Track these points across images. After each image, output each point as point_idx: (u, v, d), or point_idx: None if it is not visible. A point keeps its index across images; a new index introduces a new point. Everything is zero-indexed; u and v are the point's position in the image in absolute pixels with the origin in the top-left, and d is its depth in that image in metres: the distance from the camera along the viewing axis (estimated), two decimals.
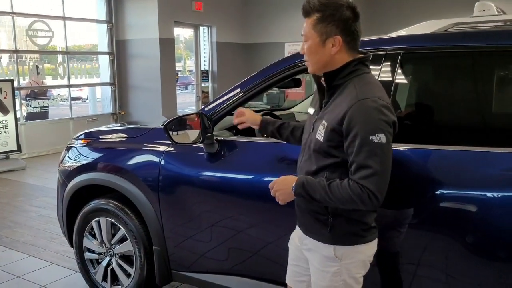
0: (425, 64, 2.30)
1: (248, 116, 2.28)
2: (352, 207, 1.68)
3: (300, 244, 1.94)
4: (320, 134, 1.75)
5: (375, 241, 1.84)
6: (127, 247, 2.97)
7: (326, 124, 1.73)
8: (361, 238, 1.79)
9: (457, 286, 2.01)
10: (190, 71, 16.95)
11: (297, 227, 2.00)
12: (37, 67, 8.92)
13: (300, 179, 1.74)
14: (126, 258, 3.03)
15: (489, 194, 1.89)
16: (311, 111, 1.93)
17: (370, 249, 1.82)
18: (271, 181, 2.43)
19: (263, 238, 2.49)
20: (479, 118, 2.17)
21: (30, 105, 8.91)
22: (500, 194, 1.87)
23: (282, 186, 1.78)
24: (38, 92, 9.25)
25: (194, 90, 11.62)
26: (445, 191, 1.97)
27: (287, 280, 2.08)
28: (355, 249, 1.78)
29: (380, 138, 1.62)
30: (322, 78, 1.81)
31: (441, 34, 2.19)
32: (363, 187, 1.61)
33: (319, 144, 1.76)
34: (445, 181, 1.98)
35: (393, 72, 2.17)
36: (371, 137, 1.61)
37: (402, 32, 2.29)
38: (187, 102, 13.64)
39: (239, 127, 2.34)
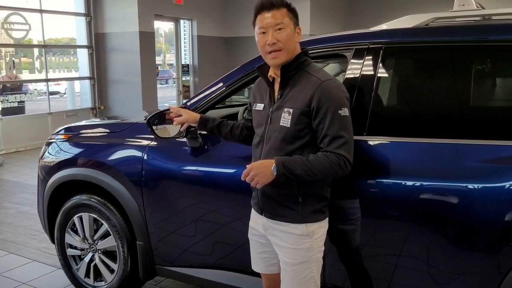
0: (406, 58, 2.33)
1: (187, 116, 2.35)
2: (330, 176, 1.90)
3: (264, 230, 2.04)
4: (285, 121, 1.89)
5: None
6: (110, 242, 2.95)
7: (291, 110, 1.89)
8: (324, 214, 1.99)
9: (436, 275, 2.05)
10: (170, 65, 16.82)
11: (254, 216, 2.11)
12: (13, 61, 8.74)
13: (278, 160, 1.84)
14: (109, 253, 3.01)
15: (469, 186, 1.93)
16: (259, 106, 2.05)
17: (327, 223, 2.03)
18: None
19: (247, 231, 2.50)
20: (458, 111, 2.21)
21: (7, 100, 8.73)
22: (479, 186, 1.91)
23: (261, 169, 1.85)
24: (14, 87, 9.06)
25: (174, 84, 11.54)
26: (426, 183, 2.01)
27: (258, 269, 2.21)
28: (320, 224, 1.98)
29: (345, 111, 1.86)
30: (269, 74, 1.98)
31: (422, 28, 2.22)
32: (339, 155, 1.82)
33: (286, 130, 1.90)
34: (427, 173, 2.02)
35: (375, 65, 2.19)
36: (339, 111, 1.84)
37: (384, 26, 2.31)
38: (168, 96, 13.54)
39: (182, 128, 2.44)
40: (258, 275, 2.43)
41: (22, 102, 9.05)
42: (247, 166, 1.90)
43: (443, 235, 2.00)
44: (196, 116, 2.35)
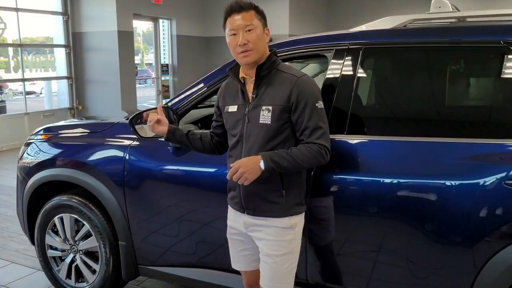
0: (385, 58, 2.38)
1: (162, 119, 2.29)
2: (314, 165, 2.01)
3: (245, 228, 2.09)
4: (265, 118, 1.97)
5: None
6: (91, 243, 2.94)
7: (271, 107, 1.96)
8: (303, 206, 2.08)
9: (416, 271, 2.10)
10: (149, 64, 16.70)
11: (233, 215, 2.15)
12: None
13: (265, 155, 1.90)
14: (91, 254, 3.00)
15: (446, 182, 1.99)
16: (233, 108, 2.09)
17: (303, 217, 2.10)
18: None
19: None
20: (433, 110, 2.28)
21: None
22: (456, 182, 1.98)
23: (249, 166, 1.89)
24: None
25: (153, 84, 11.47)
26: (405, 180, 2.07)
27: (240, 267, 2.25)
28: (301, 216, 2.07)
29: (321, 104, 1.98)
30: (241, 75, 2.04)
31: (401, 30, 2.27)
32: (321, 145, 1.93)
33: (267, 127, 1.97)
34: (406, 170, 2.08)
35: (355, 66, 2.24)
36: (316, 104, 1.95)
37: (363, 27, 2.36)
38: (147, 96, 13.45)
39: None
40: (240, 272, 2.46)
41: (3, 101, 8.91)
42: (231, 165, 1.92)
43: (421, 231, 2.05)
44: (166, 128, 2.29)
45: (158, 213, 2.71)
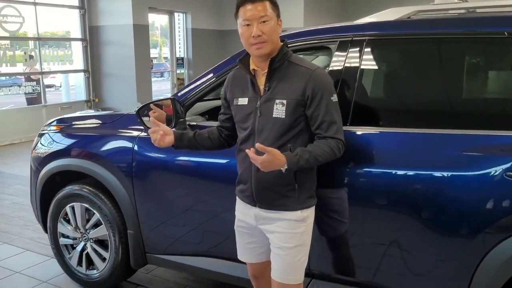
0: (389, 50, 2.37)
1: (165, 129, 2.19)
2: (330, 160, 1.93)
3: (256, 221, 2.08)
4: (279, 112, 1.93)
5: None
6: (101, 231, 3.00)
7: (285, 101, 1.92)
8: (314, 199, 2.07)
9: (417, 263, 2.11)
10: (166, 58, 16.79)
11: (243, 208, 2.13)
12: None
13: (292, 162, 1.83)
14: (101, 242, 3.06)
15: (451, 174, 1.99)
16: (243, 101, 2.04)
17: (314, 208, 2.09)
18: None
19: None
20: (435, 102, 2.27)
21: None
22: (461, 174, 1.97)
23: (276, 161, 1.81)
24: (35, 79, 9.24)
25: (169, 77, 11.55)
26: (410, 172, 2.07)
27: (246, 259, 2.25)
28: (312, 209, 2.06)
29: (335, 98, 1.96)
30: (252, 67, 1.99)
31: (405, 21, 2.27)
32: (338, 139, 1.92)
33: (281, 121, 1.93)
34: (411, 162, 2.08)
35: (359, 58, 2.24)
36: (331, 98, 1.93)
37: (367, 19, 2.36)
38: (162, 90, 13.53)
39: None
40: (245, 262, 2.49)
41: (34, 92, 9.34)
42: (258, 146, 1.79)
43: (422, 223, 2.05)
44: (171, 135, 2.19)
45: (166, 203, 2.75)
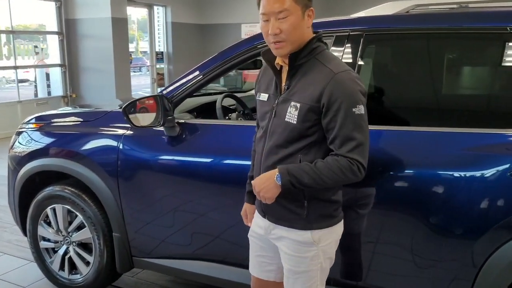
0: (387, 45, 2.32)
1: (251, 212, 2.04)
2: (343, 183, 1.69)
3: (265, 234, 1.88)
4: (291, 117, 1.69)
5: (343, 219, 1.86)
6: (85, 234, 2.88)
7: (299, 105, 1.68)
8: (334, 218, 1.80)
9: (416, 263, 2.06)
10: (144, 52, 16.53)
11: (256, 218, 1.95)
12: None
13: (281, 169, 1.66)
14: (84, 245, 2.94)
15: (448, 173, 1.94)
16: (263, 97, 1.83)
17: (341, 228, 1.85)
18: (233, 164, 2.37)
19: (225, 221, 2.47)
20: (436, 99, 2.22)
21: None
22: (460, 173, 1.92)
23: (263, 184, 1.69)
24: None
25: (148, 72, 11.35)
26: (405, 171, 2.01)
27: (253, 272, 2.03)
28: (330, 230, 1.79)
29: (360, 109, 1.63)
30: (276, 61, 1.76)
31: (403, 16, 2.20)
32: (352, 159, 1.61)
33: (291, 127, 1.70)
34: (407, 161, 2.02)
35: (356, 53, 2.17)
36: (353, 109, 1.61)
37: (364, 13, 2.29)
38: (142, 84, 13.32)
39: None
40: (237, 265, 2.41)
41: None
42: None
43: (423, 223, 2.00)
44: (251, 205, 2.03)
45: (153, 203, 2.65)
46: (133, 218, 2.72)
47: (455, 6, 2.34)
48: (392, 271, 2.13)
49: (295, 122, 1.69)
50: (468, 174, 1.90)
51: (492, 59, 2.16)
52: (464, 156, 1.93)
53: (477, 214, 1.89)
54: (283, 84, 1.76)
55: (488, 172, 1.86)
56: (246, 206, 2.06)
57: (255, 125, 2.03)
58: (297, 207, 1.75)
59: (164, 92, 2.62)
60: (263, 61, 1.87)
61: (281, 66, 1.77)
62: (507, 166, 1.83)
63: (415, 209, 2.01)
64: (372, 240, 2.12)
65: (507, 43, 2.02)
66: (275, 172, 1.67)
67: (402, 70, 2.34)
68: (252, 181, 1.77)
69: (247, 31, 10.50)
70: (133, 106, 2.49)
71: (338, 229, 1.83)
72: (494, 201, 1.86)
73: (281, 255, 1.85)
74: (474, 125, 1.96)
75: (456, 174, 1.93)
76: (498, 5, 2.28)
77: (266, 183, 1.68)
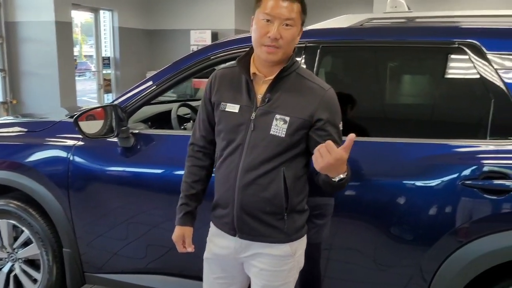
0: (342, 57, 2.37)
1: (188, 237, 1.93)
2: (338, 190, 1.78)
3: (235, 254, 1.79)
4: (279, 130, 1.66)
5: None
6: (32, 250, 2.74)
7: (288, 118, 1.66)
8: (305, 227, 1.81)
9: (373, 270, 2.11)
10: (88, 56, 16.05)
11: (219, 238, 1.82)
12: None
13: (348, 172, 1.62)
14: (31, 262, 2.80)
15: (403, 183, 2.00)
16: (232, 107, 1.74)
17: (306, 237, 1.86)
18: None
19: None
20: (389, 110, 2.29)
21: None
22: (413, 182, 1.99)
23: (336, 165, 1.52)
24: None
25: (93, 77, 11.01)
26: (361, 181, 2.05)
27: None
28: (303, 240, 1.81)
29: (341, 125, 1.74)
30: (253, 72, 1.71)
31: (357, 28, 2.26)
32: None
33: (279, 140, 1.67)
34: (363, 171, 2.06)
35: (312, 64, 2.19)
36: (339, 125, 1.72)
37: (320, 25, 2.33)
38: (87, 90, 12.90)
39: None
40: (194, 277, 2.37)
41: None
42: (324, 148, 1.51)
43: (379, 231, 2.05)
44: (190, 228, 1.92)
45: (106, 215, 2.56)
46: (84, 232, 2.61)
47: (403, 20, 2.43)
48: (349, 278, 2.17)
49: (283, 136, 1.66)
50: (422, 183, 1.97)
51: (441, 72, 2.26)
52: (418, 166, 2.00)
53: (430, 222, 1.96)
54: (260, 95, 1.71)
55: (441, 181, 1.94)
56: (184, 229, 1.89)
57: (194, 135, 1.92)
58: (277, 220, 1.72)
59: (117, 101, 2.55)
60: (218, 68, 1.86)
61: (255, 76, 1.73)
62: (459, 175, 1.91)
63: (372, 217, 2.06)
64: (328, 247, 2.15)
65: (449, 55, 2.13)
66: (345, 168, 1.58)
67: (355, 81, 2.39)
68: (340, 150, 1.50)
69: (197, 37, 10.42)
70: (85, 116, 2.41)
71: (305, 238, 1.84)
72: (447, 209, 1.93)
73: (254, 272, 1.79)
74: (427, 135, 2.04)
75: (409, 183, 1.99)
76: (441, 21, 2.39)
77: (337, 166, 1.54)
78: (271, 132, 1.67)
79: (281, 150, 1.67)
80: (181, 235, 1.91)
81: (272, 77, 1.70)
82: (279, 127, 1.66)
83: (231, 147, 1.73)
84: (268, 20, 1.63)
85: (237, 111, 1.73)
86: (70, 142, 2.60)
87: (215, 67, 2.98)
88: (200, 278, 2.06)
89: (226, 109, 1.75)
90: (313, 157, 1.54)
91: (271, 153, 1.67)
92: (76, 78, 10.15)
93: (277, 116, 1.67)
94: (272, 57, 1.65)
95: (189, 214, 1.90)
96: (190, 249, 1.91)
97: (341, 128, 1.71)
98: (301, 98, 1.68)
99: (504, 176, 1.86)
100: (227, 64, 1.87)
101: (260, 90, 1.72)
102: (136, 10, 10.95)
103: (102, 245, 2.62)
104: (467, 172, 1.90)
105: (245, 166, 1.69)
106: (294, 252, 1.76)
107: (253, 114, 1.70)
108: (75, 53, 10.33)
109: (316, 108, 1.66)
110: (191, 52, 2.50)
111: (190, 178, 1.90)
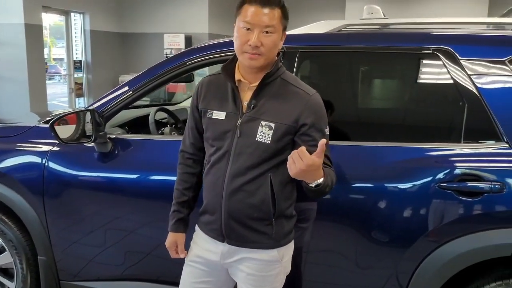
0: (320, 62, 2.40)
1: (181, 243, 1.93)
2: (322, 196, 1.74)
3: (221, 259, 1.78)
4: (264, 137, 1.67)
5: None
6: (5, 259, 2.67)
7: (273, 125, 1.67)
8: (292, 233, 1.82)
9: (353, 272, 2.14)
10: (58, 60, 15.75)
11: (206, 243, 1.82)
12: None
13: (326, 180, 1.61)
14: (4, 271, 2.73)
15: (380, 185, 2.04)
16: (219, 115, 1.74)
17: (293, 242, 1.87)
18: (170, 180, 2.22)
19: (158, 237, 2.39)
20: (366, 114, 2.34)
21: None
22: (391, 185, 2.03)
23: (310, 171, 1.53)
24: None
25: (64, 81, 10.81)
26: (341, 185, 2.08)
27: None
28: (290, 245, 1.82)
29: (327, 130, 1.73)
30: (237, 78, 1.72)
31: (335, 34, 2.30)
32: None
33: (265, 147, 1.67)
34: (342, 174, 2.09)
35: (291, 69, 2.21)
36: (326, 130, 1.71)
37: (299, 31, 2.36)
38: (58, 93, 12.65)
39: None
40: (171, 283, 2.35)
41: None
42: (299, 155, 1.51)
43: (358, 233, 2.08)
44: (182, 234, 1.93)
45: (82, 222, 2.52)
46: (60, 239, 2.57)
47: (379, 26, 2.48)
48: (327, 280, 2.20)
49: (269, 142, 1.67)
50: (399, 186, 2.02)
51: (416, 77, 2.32)
52: (395, 169, 2.04)
53: (408, 224, 2.01)
54: (245, 102, 1.72)
55: (418, 184, 1.98)
56: (177, 236, 1.90)
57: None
58: (265, 226, 1.72)
59: (94, 105, 2.52)
60: (207, 77, 1.84)
61: (240, 83, 1.73)
62: (434, 178, 1.96)
63: (350, 219, 2.09)
64: (307, 250, 2.16)
65: (424, 61, 2.19)
66: (321, 174, 1.58)
67: (332, 86, 2.43)
68: (311, 156, 1.50)
69: (170, 41, 10.37)
70: (60, 121, 2.37)
71: (292, 243, 1.84)
72: (423, 211, 1.98)
73: (240, 276, 1.79)
74: (403, 139, 2.08)
75: (387, 186, 2.03)
76: (416, 27, 2.45)
77: (310, 173, 1.55)
78: (257, 139, 1.68)
79: (267, 156, 1.68)
80: (174, 242, 1.91)
81: (256, 83, 1.70)
82: (264, 133, 1.67)
83: (218, 154, 1.74)
84: (248, 28, 1.64)
85: (223, 118, 1.73)
86: (45, 148, 2.55)
87: (191, 72, 2.99)
88: (177, 284, 2.04)
89: (213, 117, 1.75)
90: (287, 164, 1.55)
91: (258, 160, 1.68)
92: (46, 81, 9.95)
93: (263, 122, 1.68)
94: (254, 63, 1.66)
95: (182, 220, 1.91)
96: (183, 255, 1.91)
97: (327, 133, 1.71)
98: (286, 104, 1.69)
99: (478, 179, 1.92)
100: (214, 71, 1.87)
101: (246, 96, 1.73)
102: (109, 13, 10.82)
103: (78, 252, 2.57)
104: (442, 174, 1.95)
105: (232, 173, 1.70)
106: (282, 257, 1.77)
107: (239, 121, 1.71)
108: (45, 56, 10.11)
109: (301, 113, 1.67)
110: (166, 57, 2.48)
111: (181, 185, 1.91)
